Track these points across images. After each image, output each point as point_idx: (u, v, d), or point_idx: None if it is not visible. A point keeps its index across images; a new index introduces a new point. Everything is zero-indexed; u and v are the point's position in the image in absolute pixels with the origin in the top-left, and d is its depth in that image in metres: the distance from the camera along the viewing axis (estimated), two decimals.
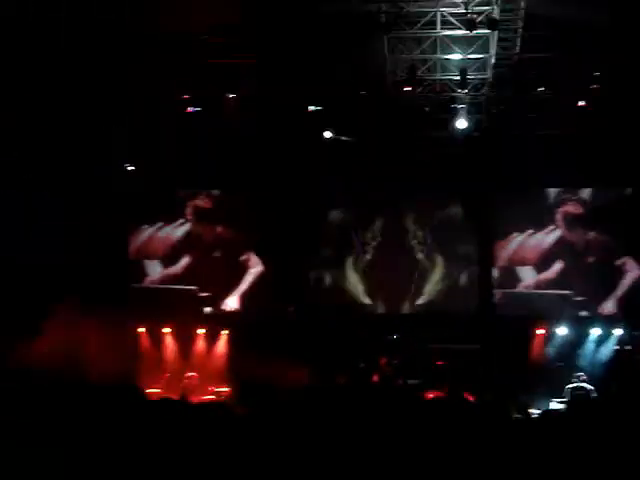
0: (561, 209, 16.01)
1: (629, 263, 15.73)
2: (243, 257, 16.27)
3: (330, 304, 16.11)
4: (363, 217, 16.31)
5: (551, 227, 16.05)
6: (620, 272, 15.78)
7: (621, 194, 15.94)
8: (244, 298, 16.23)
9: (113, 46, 13.25)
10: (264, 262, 16.18)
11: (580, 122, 14.74)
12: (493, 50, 13.41)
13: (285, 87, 14.52)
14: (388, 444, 5.17)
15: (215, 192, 16.52)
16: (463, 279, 16.10)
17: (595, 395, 13.20)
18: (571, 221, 15.98)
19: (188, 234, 16.42)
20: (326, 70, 14.06)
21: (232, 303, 16.22)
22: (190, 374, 14.80)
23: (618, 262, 15.77)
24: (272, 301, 15.87)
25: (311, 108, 14.89)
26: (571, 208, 15.99)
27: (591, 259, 15.88)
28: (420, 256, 16.14)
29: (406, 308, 16.09)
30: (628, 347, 15.14)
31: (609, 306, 15.74)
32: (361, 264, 16.23)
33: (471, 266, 16.10)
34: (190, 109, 14.98)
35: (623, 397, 10.31)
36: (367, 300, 16.17)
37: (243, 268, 16.27)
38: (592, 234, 15.90)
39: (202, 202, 16.41)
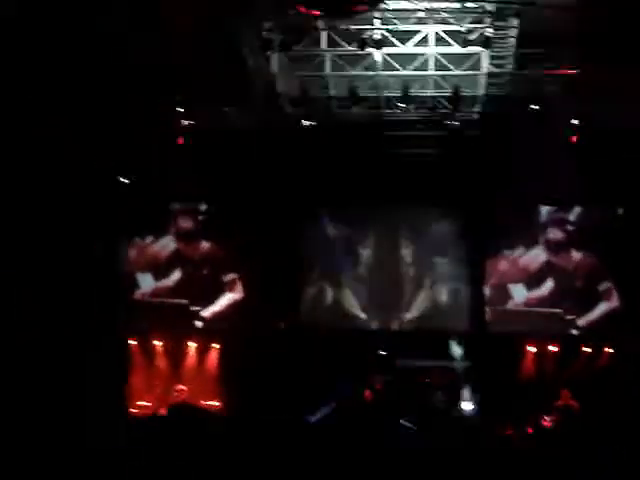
0: (545, 235, 16.03)
1: (611, 292, 15.73)
2: (228, 277, 16.24)
3: (323, 320, 16.15)
4: (358, 232, 16.32)
5: (540, 247, 16.09)
6: (601, 298, 15.79)
7: (613, 214, 15.93)
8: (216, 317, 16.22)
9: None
10: (249, 281, 16.11)
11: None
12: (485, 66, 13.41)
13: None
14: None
15: (200, 209, 16.42)
16: (454, 295, 16.11)
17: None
18: (555, 247, 16.00)
19: (177, 249, 16.40)
20: None
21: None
22: (180, 387, 14.78)
23: (601, 287, 15.80)
24: (257, 320, 15.83)
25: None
26: (554, 235, 16.00)
27: (579, 282, 15.90)
28: (411, 271, 16.16)
29: (396, 324, 16.08)
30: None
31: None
32: (355, 279, 16.23)
33: (462, 282, 16.12)
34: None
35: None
36: (362, 316, 16.15)
37: (225, 289, 16.27)
38: (579, 255, 15.93)
39: (184, 223, 16.38)
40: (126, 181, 15.75)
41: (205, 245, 16.35)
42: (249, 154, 15.23)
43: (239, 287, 16.16)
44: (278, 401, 11.78)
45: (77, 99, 13.95)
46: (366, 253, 16.28)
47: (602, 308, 15.69)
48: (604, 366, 15.30)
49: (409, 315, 16.10)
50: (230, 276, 16.21)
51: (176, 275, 16.33)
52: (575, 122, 14.46)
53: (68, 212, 15.10)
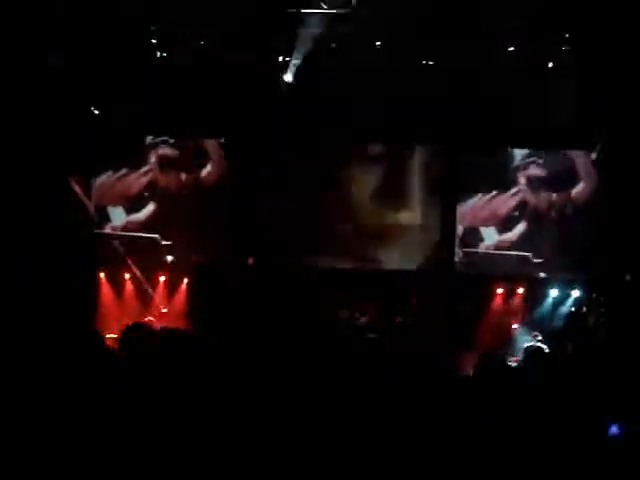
0: (525, 172, 16.07)
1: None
2: (197, 212, 16.15)
3: (292, 258, 16.20)
4: (329, 172, 16.27)
5: (515, 189, 16.14)
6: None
7: (587, 157, 15.99)
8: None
9: None
10: (220, 216, 16.04)
11: (548, 83, 14.89)
12: None
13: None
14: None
15: (182, 140, 16.31)
16: (426, 237, 16.16)
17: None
18: (536, 184, 16.06)
19: (153, 182, 16.30)
20: None
21: None
22: (148, 318, 14.83)
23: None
24: (228, 252, 15.84)
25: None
26: (536, 171, 16.06)
27: (553, 218, 16.01)
28: (384, 211, 16.15)
29: (366, 265, 16.08)
30: (584, 309, 15.37)
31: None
32: (327, 218, 16.20)
33: (434, 224, 16.16)
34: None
35: (577, 356, 10.53)
36: (331, 254, 16.13)
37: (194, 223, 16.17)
38: (555, 196, 16.03)
39: (168, 150, 16.26)
40: (97, 112, 15.62)
41: (176, 179, 16.26)
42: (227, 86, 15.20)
43: (209, 222, 16.09)
44: (245, 334, 11.83)
45: (48, 29, 13.83)
46: (336, 193, 16.24)
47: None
48: (571, 310, 15.50)
49: (379, 256, 16.13)
50: (199, 210, 16.14)
51: (148, 209, 16.25)
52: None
53: (41, 144, 14.97)
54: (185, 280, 15.98)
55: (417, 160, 16.19)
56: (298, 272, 15.82)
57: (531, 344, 13.68)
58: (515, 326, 15.47)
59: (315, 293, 15.14)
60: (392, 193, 16.15)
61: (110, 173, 16.22)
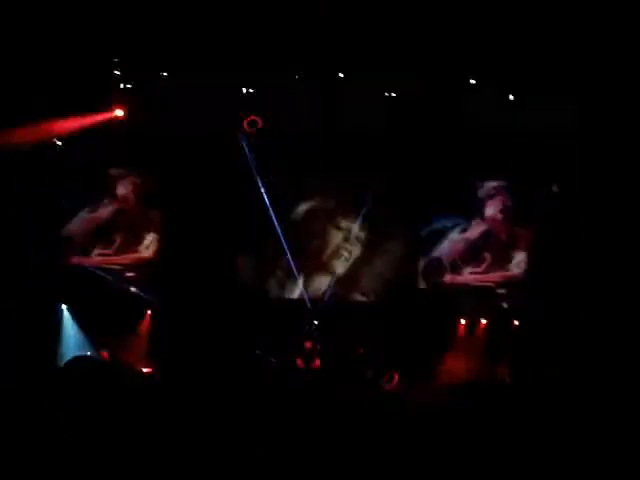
0: (496, 200, 16.17)
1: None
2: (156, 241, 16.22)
3: (258, 288, 16.22)
4: (293, 200, 16.35)
5: (479, 220, 16.25)
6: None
7: (548, 190, 16.15)
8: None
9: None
10: (184, 246, 16.05)
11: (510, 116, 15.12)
12: None
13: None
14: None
15: (139, 174, 16.33)
16: (388, 267, 16.22)
17: None
18: (493, 222, 16.18)
19: (117, 214, 16.27)
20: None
21: None
22: (102, 351, 14.76)
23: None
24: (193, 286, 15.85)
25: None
26: (507, 200, 16.17)
27: (512, 257, 16.15)
28: (345, 244, 16.21)
29: (329, 296, 16.12)
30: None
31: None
32: (291, 249, 16.22)
33: (397, 255, 16.22)
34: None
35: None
36: (295, 285, 16.18)
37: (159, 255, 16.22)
38: (515, 231, 16.17)
39: (124, 188, 16.26)
40: (60, 144, 15.61)
41: (142, 212, 16.26)
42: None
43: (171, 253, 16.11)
44: (209, 368, 11.83)
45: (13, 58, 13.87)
46: (300, 222, 16.29)
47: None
48: (535, 340, 15.58)
49: (345, 287, 16.20)
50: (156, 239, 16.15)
51: (112, 241, 16.21)
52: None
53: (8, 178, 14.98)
54: (148, 311, 15.89)
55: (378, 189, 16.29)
56: (260, 307, 15.87)
57: None
58: None
59: (276, 326, 15.14)
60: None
61: (77, 204, 16.16)
